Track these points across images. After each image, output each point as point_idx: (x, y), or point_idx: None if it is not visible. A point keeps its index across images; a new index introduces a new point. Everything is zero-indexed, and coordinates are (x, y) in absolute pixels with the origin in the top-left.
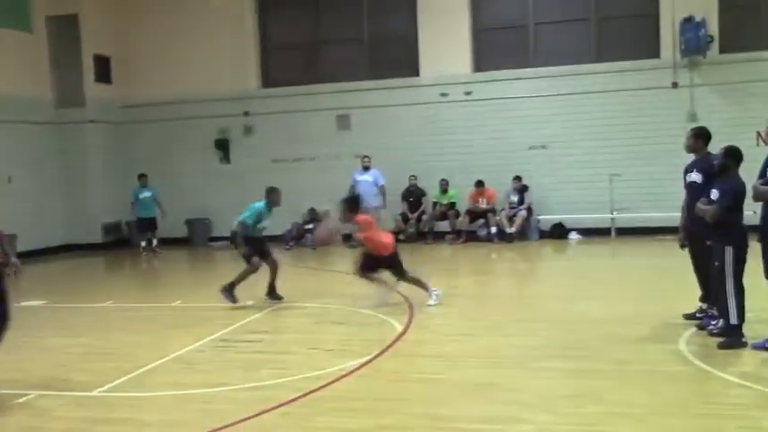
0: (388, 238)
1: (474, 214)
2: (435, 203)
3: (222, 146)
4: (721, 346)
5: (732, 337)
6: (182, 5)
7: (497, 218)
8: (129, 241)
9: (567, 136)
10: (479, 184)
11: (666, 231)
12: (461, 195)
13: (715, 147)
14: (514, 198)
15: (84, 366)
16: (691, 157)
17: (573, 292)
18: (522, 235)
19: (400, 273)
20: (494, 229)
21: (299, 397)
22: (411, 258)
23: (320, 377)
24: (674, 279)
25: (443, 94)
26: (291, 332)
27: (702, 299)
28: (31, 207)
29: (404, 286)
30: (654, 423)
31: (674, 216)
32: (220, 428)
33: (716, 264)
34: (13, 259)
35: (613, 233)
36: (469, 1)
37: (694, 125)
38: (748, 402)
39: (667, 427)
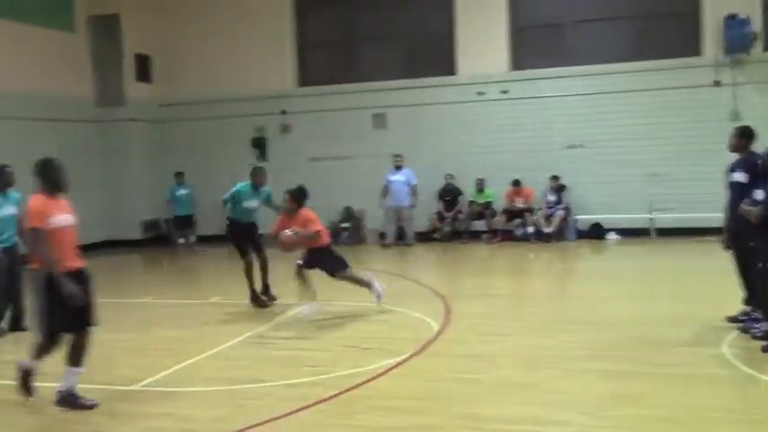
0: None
1: (511, 213)
2: (471, 202)
3: (259, 144)
4: (766, 350)
5: None
6: (220, 5)
7: (534, 217)
8: (167, 238)
9: (606, 135)
10: (516, 183)
11: (708, 232)
12: (498, 194)
13: (758, 146)
14: (552, 197)
15: (125, 361)
16: (733, 157)
17: (611, 293)
18: (560, 235)
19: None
20: (531, 229)
21: (336, 395)
22: (446, 258)
23: (357, 375)
24: (716, 281)
25: (480, 93)
26: (328, 330)
27: (746, 301)
28: (73, 204)
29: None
30: (695, 428)
31: (716, 216)
32: (258, 425)
33: (760, 265)
34: None
35: (653, 234)
36: None
37: (737, 124)
38: None
39: None
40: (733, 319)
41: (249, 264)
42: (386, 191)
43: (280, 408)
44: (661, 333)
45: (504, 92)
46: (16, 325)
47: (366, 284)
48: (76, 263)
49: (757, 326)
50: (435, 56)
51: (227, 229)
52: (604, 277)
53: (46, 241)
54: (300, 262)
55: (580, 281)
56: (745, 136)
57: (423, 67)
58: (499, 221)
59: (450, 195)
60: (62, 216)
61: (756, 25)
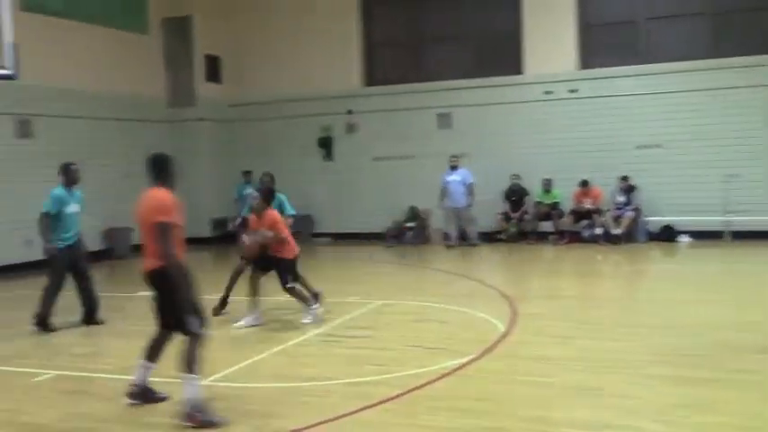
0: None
1: (578, 214)
2: (538, 203)
3: (325, 143)
4: None
5: None
6: (288, 6)
7: (603, 219)
8: (235, 236)
9: (679, 135)
10: (584, 183)
11: None
12: (565, 195)
13: None
14: (621, 198)
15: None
16: None
17: (682, 297)
18: (629, 237)
19: (295, 279)
20: (599, 230)
21: (401, 394)
22: (512, 259)
23: (421, 375)
24: None
25: (548, 92)
26: (392, 329)
27: None
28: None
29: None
30: None
31: None
32: (322, 422)
33: None
34: None
35: (727, 237)
36: None
37: None
38: None
39: None
40: None
41: (241, 269)
42: (444, 192)
43: (344, 406)
44: (736, 338)
45: (573, 91)
46: (89, 319)
47: (306, 303)
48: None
49: None
50: (502, 55)
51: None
52: (676, 280)
53: (171, 236)
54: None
55: (650, 284)
56: None
57: (489, 66)
58: (566, 222)
59: (516, 196)
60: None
61: None
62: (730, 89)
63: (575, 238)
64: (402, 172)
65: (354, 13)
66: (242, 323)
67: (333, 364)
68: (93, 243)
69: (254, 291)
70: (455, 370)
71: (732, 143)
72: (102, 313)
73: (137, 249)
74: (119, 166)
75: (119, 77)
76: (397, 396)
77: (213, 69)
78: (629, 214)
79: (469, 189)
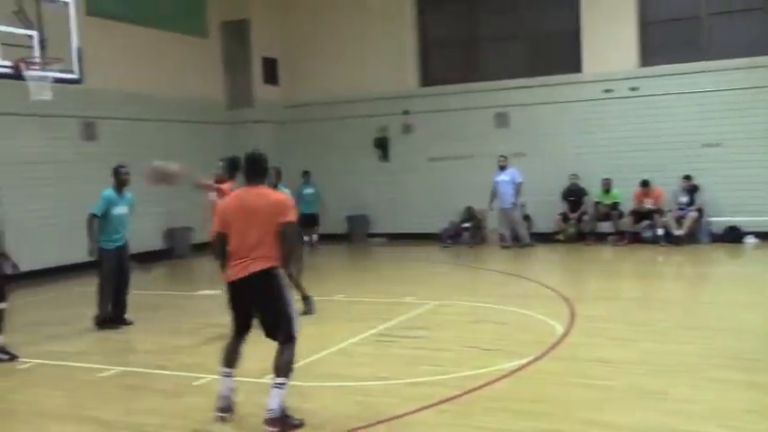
0: None
1: (639, 215)
2: (597, 203)
3: (381, 144)
4: None
5: None
6: (344, 8)
7: (664, 219)
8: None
9: (744, 133)
10: (645, 183)
11: None
12: (625, 195)
13: None
14: (683, 198)
15: (254, 354)
16: None
17: (748, 299)
18: (692, 238)
19: None
20: (660, 231)
21: (458, 395)
22: (570, 259)
23: (478, 376)
24: None
25: (607, 91)
26: (449, 330)
27: None
28: (206, 203)
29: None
30: None
31: None
32: (380, 422)
33: None
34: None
35: None
36: None
37: None
38: None
39: None
40: None
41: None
42: (494, 194)
43: (402, 406)
44: None
45: (634, 89)
46: (117, 319)
47: None
48: None
49: None
50: (559, 53)
51: None
52: (741, 282)
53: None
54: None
55: (714, 286)
56: None
57: (546, 64)
58: (626, 223)
59: (574, 196)
60: None
61: None
62: None
63: (635, 238)
64: (458, 172)
65: (409, 13)
66: None
67: (389, 365)
68: (154, 243)
69: None
70: (512, 371)
71: None
72: (149, 313)
73: (197, 249)
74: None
75: (179, 80)
76: (455, 397)
77: (271, 71)
78: (692, 215)
79: (518, 189)
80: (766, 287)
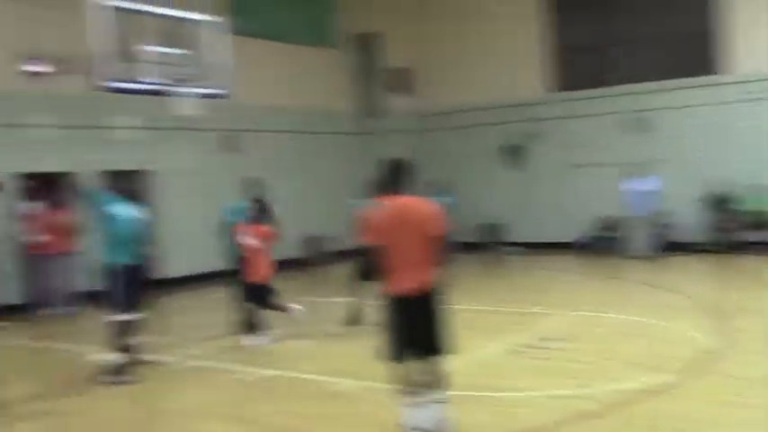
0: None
1: None
2: (745, 212)
3: (513, 152)
4: None
5: None
6: (472, 15)
7: None
8: None
9: None
10: None
11: None
12: None
13: None
14: None
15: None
16: None
17: None
18: None
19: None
20: None
21: (600, 410)
22: (717, 270)
23: (620, 391)
24: None
25: (748, 93)
26: (588, 342)
27: None
28: (339, 212)
29: None
30: None
31: None
32: None
33: None
34: None
35: None
36: None
37: None
38: None
39: None
40: None
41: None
42: (630, 200)
43: (542, 418)
44: None
45: None
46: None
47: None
48: None
49: None
50: (698, 55)
51: None
52: None
53: None
54: None
55: None
56: None
57: (685, 67)
58: None
59: (719, 204)
60: None
61: None
62: None
63: None
64: (592, 179)
65: (540, 18)
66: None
67: (527, 376)
68: (292, 250)
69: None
70: (655, 387)
71: None
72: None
73: (333, 257)
74: (315, 177)
75: (315, 93)
76: (596, 411)
77: (401, 81)
78: None
79: (655, 197)
80: None
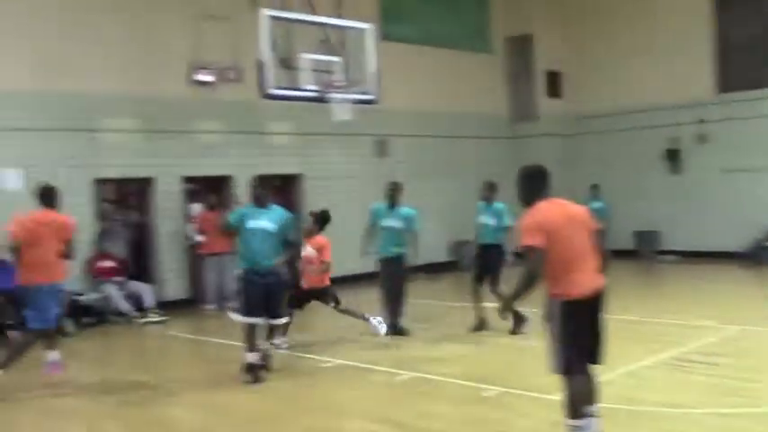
0: None
1: None
2: None
3: (673, 156)
4: None
5: None
6: (630, 15)
7: None
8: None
9: None
10: None
11: None
12: None
13: None
14: None
15: (543, 370)
16: None
17: None
18: None
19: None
20: None
21: None
22: None
23: None
24: None
25: None
26: (754, 358)
27: None
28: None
29: None
30: None
31: None
32: None
33: None
34: None
35: None
36: None
37: None
38: None
39: None
40: None
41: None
42: None
43: None
44: None
45: None
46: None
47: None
48: None
49: None
50: None
51: None
52: None
53: None
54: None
55: None
56: None
57: None
58: None
59: None
60: None
61: None
62: None
63: None
64: (760, 185)
65: (706, 16)
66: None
67: (687, 392)
68: (439, 255)
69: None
70: None
71: None
72: (435, 322)
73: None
74: (464, 181)
75: (464, 97)
76: None
77: (554, 84)
78: None
79: None
80: None
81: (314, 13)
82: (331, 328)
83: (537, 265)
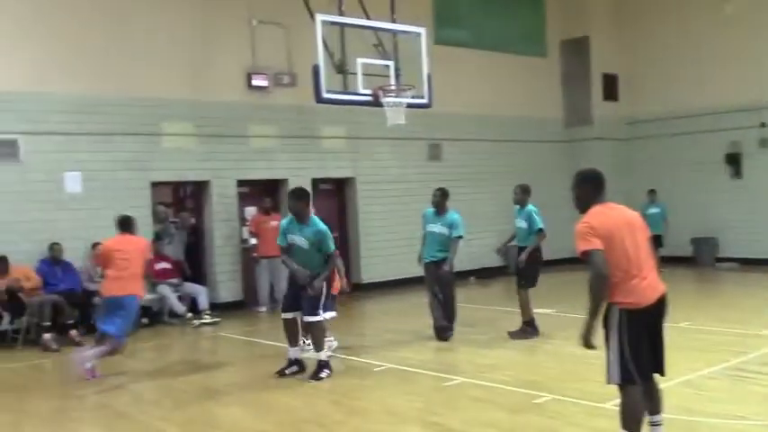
0: None
1: None
2: None
3: (733, 160)
4: None
5: None
6: (689, 17)
7: None
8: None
9: None
10: None
11: None
12: None
13: None
14: None
15: (595, 377)
16: None
17: None
18: None
19: None
20: None
21: None
22: None
23: None
24: None
25: None
26: None
27: None
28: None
29: None
30: None
31: None
32: None
33: None
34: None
35: None
36: None
37: None
38: None
39: None
40: None
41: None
42: None
43: None
44: None
45: None
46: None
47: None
48: None
49: None
50: None
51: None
52: None
53: None
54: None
55: None
56: None
57: None
58: None
59: None
60: None
61: None
62: None
63: None
64: None
65: None
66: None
67: (748, 403)
68: (491, 260)
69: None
70: None
71: None
72: (486, 327)
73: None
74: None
75: (518, 100)
76: None
77: (610, 88)
78: None
79: None
80: None
81: (367, 17)
82: (381, 331)
83: (600, 267)
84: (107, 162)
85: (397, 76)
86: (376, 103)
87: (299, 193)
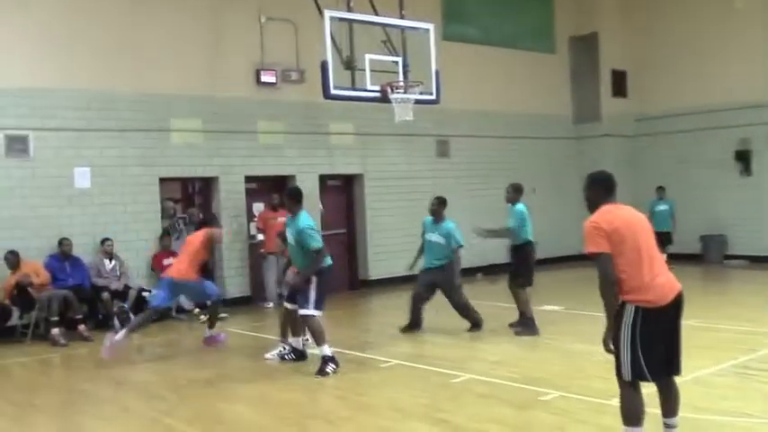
0: None
1: None
2: None
3: (743, 157)
4: None
5: None
6: (698, 15)
7: None
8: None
9: None
10: None
11: None
12: None
13: None
14: None
15: (601, 374)
16: None
17: None
18: None
19: None
20: None
21: None
22: None
23: None
24: None
25: None
26: None
27: None
28: (550, 217)
29: None
30: None
31: None
32: None
33: None
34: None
35: None
36: None
37: None
38: None
39: None
40: None
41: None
42: None
43: None
44: None
45: None
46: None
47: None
48: None
49: None
50: None
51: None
52: None
53: None
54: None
55: None
56: None
57: None
58: None
59: None
60: None
61: None
62: None
63: None
64: None
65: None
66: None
67: (758, 401)
68: (500, 256)
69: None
70: None
71: None
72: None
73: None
74: (526, 182)
75: (527, 97)
76: None
77: (619, 84)
78: None
79: None
80: None
81: (376, 13)
82: (388, 327)
83: (606, 273)
84: (116, 158)
85: (406, 72)
86: (384, 99)
87: (288, 191)
